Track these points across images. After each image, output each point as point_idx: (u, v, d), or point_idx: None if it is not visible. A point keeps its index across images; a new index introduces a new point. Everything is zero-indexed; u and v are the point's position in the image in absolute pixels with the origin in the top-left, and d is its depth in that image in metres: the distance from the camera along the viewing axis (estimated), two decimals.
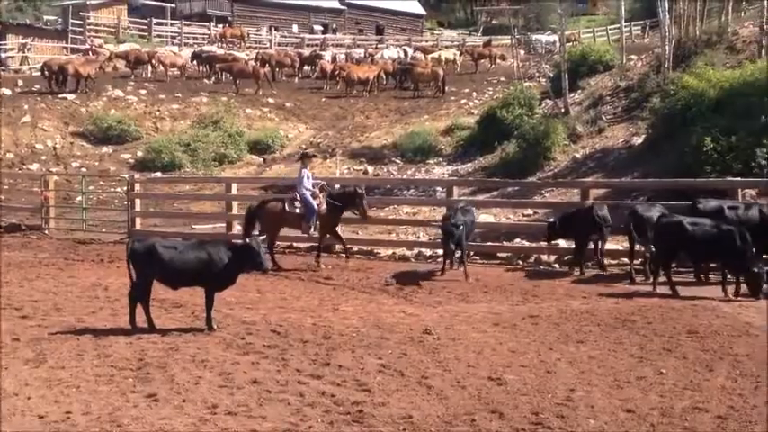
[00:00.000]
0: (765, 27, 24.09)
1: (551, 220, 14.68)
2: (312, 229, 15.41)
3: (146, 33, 47.42)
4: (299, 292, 12.77)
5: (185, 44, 46.21)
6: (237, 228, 18.35)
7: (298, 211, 15.23)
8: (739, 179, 15.41)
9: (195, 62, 39.06)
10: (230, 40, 48.06)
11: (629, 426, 6.89)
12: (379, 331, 10.08)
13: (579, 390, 7.82)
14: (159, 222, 20.31)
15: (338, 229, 15.95)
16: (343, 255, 15.92)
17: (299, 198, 15.27)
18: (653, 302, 11.42)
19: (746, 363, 8.49)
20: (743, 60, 23.23)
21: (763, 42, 23.47)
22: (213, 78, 37.30)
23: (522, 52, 39.55)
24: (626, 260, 14.12)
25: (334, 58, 40.98)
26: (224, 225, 18.57)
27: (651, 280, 12.55)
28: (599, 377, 8.20)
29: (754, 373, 8.16)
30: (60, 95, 31.96)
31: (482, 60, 42.16)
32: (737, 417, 7.01)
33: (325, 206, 15.22)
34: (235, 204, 18.69)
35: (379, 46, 49.11)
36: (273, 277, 14.04)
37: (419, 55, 43.29)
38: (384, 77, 37.60)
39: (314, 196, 15.26)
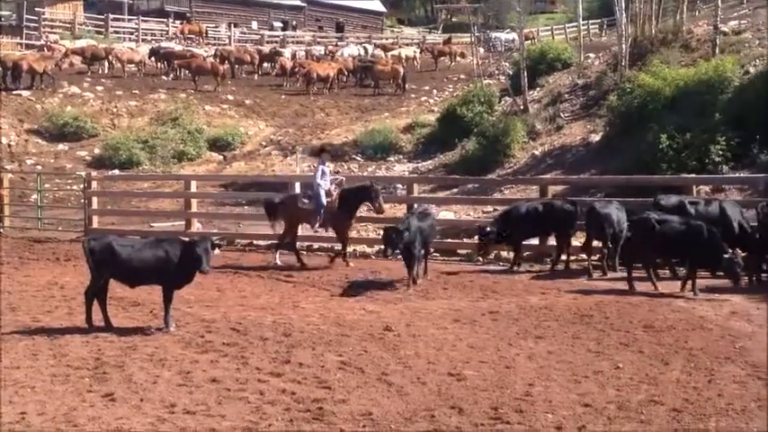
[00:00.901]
0: (719, 26, 24.47)
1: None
2: (317, 225, 15.04)
3: (102, 29, 46.80)
4: (259, 290, 12.71)
5: (143, 40, 45.69)
6: (197, 225, 18.26)
7: (308, 207, 14.93)
8: (694, 176, 15.67)
9: (153, 59, 38.67)
10: (189, 36, 47.66)
11: (586, 420, 6.96)
12: (340, 328, 10.06)
13: (538, 385, 7.88)
14: (117, 220, 20.08)
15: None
16: (331, 254, 15.53)
17: (311, 193, 15.00)
18: (610, 298, 11.54)
19: (701, 356, 8.62)
20: (697, 59, 23.61)
21: (717, 41, 23.85)
22: (171, 75, 36.99)
23: (481, 50, 39.76)
24: (584, 256, 14.29)
25: (294, 56, 40.83)
26: (183, 223, 18.39)
27: (617, 275, 12.72)
28: (557, 372, 8.28)
29: (708, 366, 8.29)
30: (15, 92, 31.44)
31: (442, 58, 42.34)
32: (692, 410, 7.12)
33: (336, 203, 14.85)
34: (194, 202, 18.54)
35: (339, 43, 49.05)
36: (233, 275, 13.98)
37: (379, 52, 43.33)
38: (344, 75, 37.56)
39: (328, 193, 14.93)
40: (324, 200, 14.83)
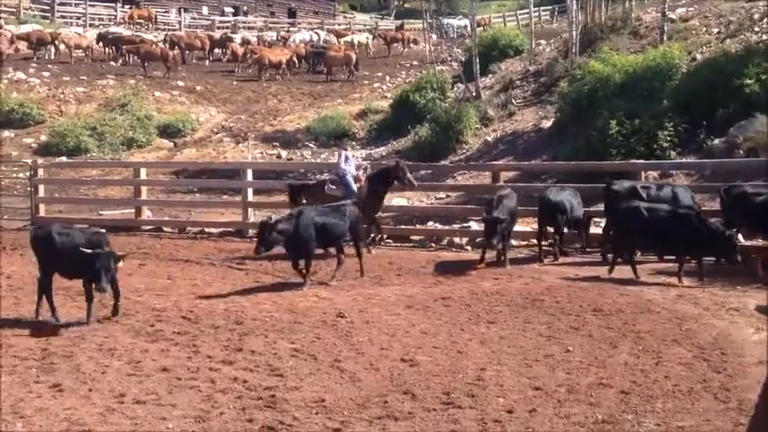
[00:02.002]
0: (667, 13, 24.79)
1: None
2: None
3: (49, 14, 45.83)
4: (211, 278, 12.60)
5: (91, 25, 44.81)
6: (147, 213, 18.03)
7: (336, 193, 14.62)
8: (642, 161, 15.86)
9: (101, 44, 37.98)
10: (138, 21, 46.89)
11: (537, 403, 7.05)
12: (293, 316, 10.05)
13: (489, 369, 7.95)
14: (65, 208, 19.75)
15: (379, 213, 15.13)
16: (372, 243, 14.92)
17: (337, 179, 14.76)
18: (561, 283, 11.66)
19: (648, 339, 8.76)
20: (646, 45, 23.90)
21: (665, 28, 24.16)
22: (120, 61, 36.40)
23: (434, 36, 39.78)
24: (535, 241, 14.44)
25: (245, 42, 40.44)
26: (133, 210, 18.14)
27: (568, 260, 12.79)
28: (509, 356, 8.36)
29: (655, 348, 8.44)
30: None
31: (395, 44, 42.29)
32: (639, 391, 7.24)
33: (366, 188, 14.62)
34: (144, 189, 18.30)
35: (291, 29, 48.70)
36: (185, 263, 13.84)
37: (332, 38, 43.12)
38: (296, 61, 37.31)
39: (356, 179, 14.73)
40: (354, 186, 14.60)
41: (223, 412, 6.90)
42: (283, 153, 27.05)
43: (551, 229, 13.52)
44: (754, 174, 14.37)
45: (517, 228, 14.35)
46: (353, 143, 27.62)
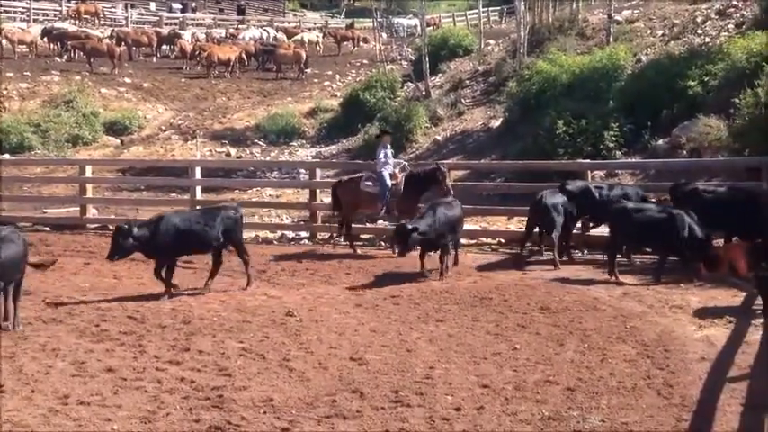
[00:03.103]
0: (613, 15, 25.17)
1: None
2: (384, 211, 14.51)
3: None
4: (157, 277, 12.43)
5: (35, 20, 43.91)
6: (93, 211, 17.75)
7: (371, 190, 14.37)
8: (589, 161, 16.09)
9: (46, 39, 37.25)
10: (84, 16, 46.09)
11: (484, 400, 7.10)
12: (241, 315, 9.98)
13: (438, 367, 7.99)
14: (8, 206, 19.31)
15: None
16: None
17: (374, 176, 14.41)
18: (509, 281, 11.75)
19: (594, 336, 8.88)
20: (592, 47, 24.24)
21: (611, 30, 24.53)
22: (65, 57, 35.72)
23: (384, 35, 39.84)
24: (484, 239, 14.58)
25: (194, 38, 40.02)
26: (77, 209, 17.84)
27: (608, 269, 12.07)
28: (457, 354, 8.41)
29: (601, 346, 8.55)
30: None
31: (345, 43, 42.25)
32: (585, 388, 7.34)
33: (402, 186, 14.26)
34: (89, 187, 18.00)
35: (240, 26, 48.33)
36: (131, 262, 13.58)
37: (282, 36, 42.91)
38: (246, 59, 37.05)
39: (393, 176, 14.37)
40: (389, 183, 14.24)
41: (169, 413, 6.82)
42: (233, 151, 26.84)
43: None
44: (697, 174, 14.67)
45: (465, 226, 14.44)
46: (303, 141, 27.59)
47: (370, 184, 14.40)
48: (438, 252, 12.17)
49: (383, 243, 15.32)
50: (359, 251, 14.29)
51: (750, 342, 8.48)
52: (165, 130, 29.10)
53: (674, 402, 6.97)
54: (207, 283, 11.46)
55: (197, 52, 35.89)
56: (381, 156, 14.54)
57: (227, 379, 7.64)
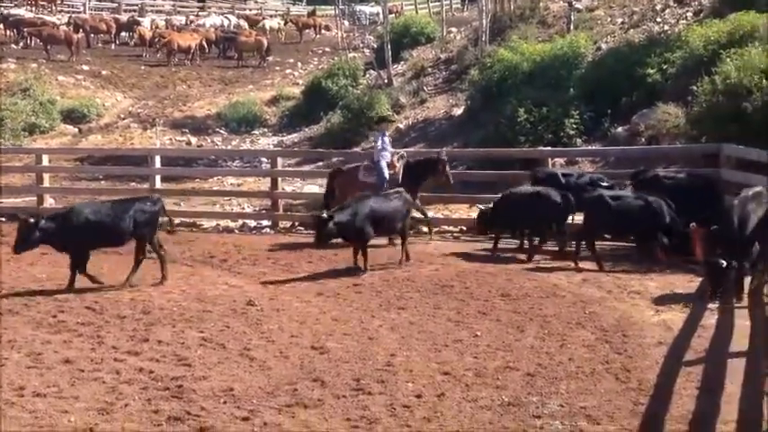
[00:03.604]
0: (573, 3, 25.30)
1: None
2: None
3: None
4: (116, 267, 12.24)
5: None
6: (50, 201, 17.49)
7: (369, 180, 13.97)
8: (549, 149, 16.19)
9: (1, 26, 36.59)
10: (41, 3, 45.30)
11: (445, 387, 7.13)
12: (202, 304, 9.92)
13: (399, 355, 8.02)
14: None
15: (417, 201, 13.96)
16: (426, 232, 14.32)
17: (372, 166, 14.07)
18: (470, 268, 11.80)
19: (554, 322, 8.96)
20: (553, 35, 24.31)
21: (572, 18, 24.66)
22: (21, 44, 35.11)
23: (346, 23, 39.70)
24: (446, 227, 14.63)
25: (153, 25, 39.52)
26: (34, 198, 17.56)
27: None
28: (418, 342, 8.43)
29: (560, 331, 8.64)
30: None
31: (307, 30, 41.98)
32: (545, 374, 7.41)
33: (400, 176, 13.90)
34: (46, 177, 17.73)
35: (201, 13, 47.82)
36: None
37: (243, 23, 42.54)
38: (207, 46, 36.69)
39: (390, 165, 14.02)
40: (386, 173, 13.89)
41: (128, 403, 6.77)
42: (193, 139, 26.57)
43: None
44: (655, 160, 14.83)
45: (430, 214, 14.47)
46: (265, 130, 27.42)
47: (368, 174, 14.10)
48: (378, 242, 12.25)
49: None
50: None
51: (706, 326, 8.62)
52: (124, 119, 28.73)
53: (632, 386, 7.06)
54: (128, 277, 11.02)
55: (157, 39, 35.46)
56: (379, 143, 14.25)
57: (186, 369, 7.60)
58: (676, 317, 9.02)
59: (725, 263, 9.04)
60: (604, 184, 12.92)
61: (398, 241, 12.46)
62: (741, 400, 6.66)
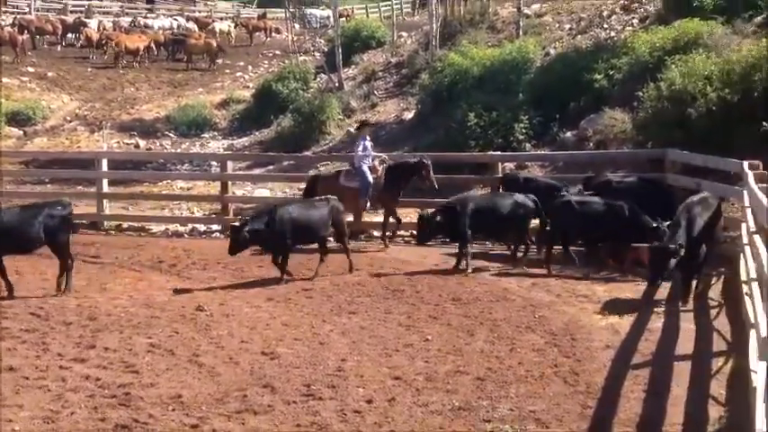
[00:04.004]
0: (522, 9, 25.57)
1: None
2: (368, 205, 14.00)
3: None
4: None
5: None
6: None
7: (352, 184, 13.83)
8: (499, 153, 16.31)
9: None
10: None
11: (396, 392, 7.14)
12: (150, 310, 9.80)
13: (350, 360, 8.00)
14: None
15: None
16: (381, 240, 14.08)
17: (353, 170, 13.88)
18: (421, 273, 11.82)
19: (504, 326, 9.03)
20: (503, 40, 24.53)
21: (521, 23, 24.91)
22: None
23: (296, 26, 39.56)
24: (398, 232, 14.62)
25: (101, 27, 38.94)
26: None
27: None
28: (369, 347, 8.43)
29: (510, 335, 8.70)
30: None
31: (257, 33, 41.75)
32: (494, 377, 7.46)
33: (382, 180, 13.82)
34: None
35: (149, 15, 47.28)
36: (35, 257, 13.17)
37: (192, 26, 42.16)
38: (155, 48, 36.28)
39: (372, 170, 13.92)
40: (370, 177, 13.75)
41: (74, 412, 6.65)
42: (142, 143, 26.23)
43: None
44: (602, 165, 15.02)
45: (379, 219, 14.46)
46: (215, 133, 27.19)
47: (349, 178, 13.95)
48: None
49: None
50: None
51: (652, 330, 8.77)
52: (70, 121, 28.26)
53: (580, 390, 7.14)
54: (58, 282, 10.79)
55: (104, 41, 34.96)
56: (360, 149, 14.10)
57: (134, 376, 7.50)
58: (624, 320, 9.15)
59: (672, 246, 9.10)
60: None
61: (348, 248, 12.30)
62: (687, 403, 6.79)
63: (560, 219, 11.82)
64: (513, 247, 12.59)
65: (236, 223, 11.37)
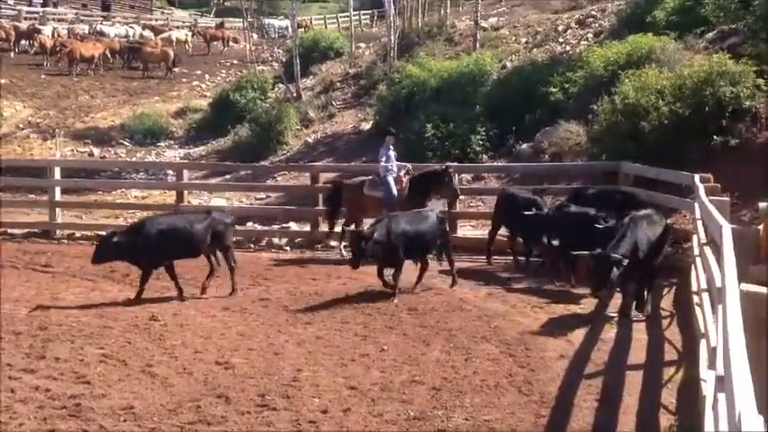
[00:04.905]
0: (479, 22, 25.82)
1: None
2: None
3: None
4: (13, 282, 11.86)
5: None
6: None
7: (376, 194, 13.45)
8: (456, 164, 16.37)
9: None
10: None
11: (351, 402, 7.11)
12: (102, 320, 9.66)
13: (306, 370, 7.95)
14: None
15: None
16: None
17: (378, 180, 13.50)
18: (378, 282, 11.78)
19: (459, 336, 9.05)
20: (460, 52, 24.77)
21: (478, 36, 25.13)
22: None
23: (254, 36, 39.39)
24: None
25: (55, 34, 38.40)
26: None
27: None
28: (325, 356, 8.39)
29: (465, 345, 8.72)
30: None
31: (215, 42, 41.55)
32: (450, 387, 7.45)
33: (407, 190, 13.44)
34: None
35: (105, 23, 46.79)
36: None
37: (148, 34, 41.80)
38: (111, 56, 35.90)
39: (397, 181, 13.51)
40: (395, 189, 13.38)
41: (22, 423, 6.52)
42: (96, 151, 25.96)
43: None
44: (558, 177, 15.19)
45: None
46: (171, 142, 26.98)
47: (373, 188, 13.61)
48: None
49: (252, 245, 15.17)
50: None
51: (605, 339, 8.86)
52: (23, 129, 27.85)
53: (534, 399, 7.18)
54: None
55: (58, 48, 34.50)
56: (384, 159, 13.69)
57: (85, 387, 7.37)
58: (577, 331, 9.23)
59: (615, 257, 9.01)
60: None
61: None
62: (638, 412, 6.86)
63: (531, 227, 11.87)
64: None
65: (106, 233, 10.88)
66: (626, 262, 9.05)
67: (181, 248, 11.09)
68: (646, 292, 9.96)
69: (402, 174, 13.72)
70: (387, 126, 21.37)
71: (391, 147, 13.94)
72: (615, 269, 8.99)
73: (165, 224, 11.09)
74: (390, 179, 13.51)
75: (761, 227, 7.36)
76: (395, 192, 13.44)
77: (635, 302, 9.74)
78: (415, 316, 9.94)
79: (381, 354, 8.46)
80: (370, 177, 13.89)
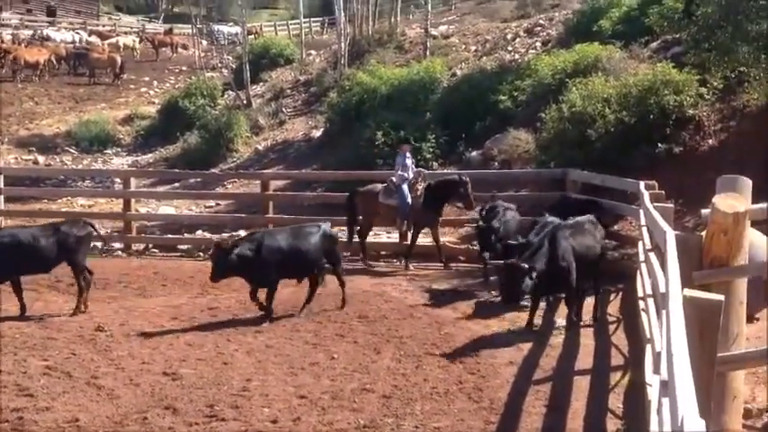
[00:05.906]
0: (429, 30, 25.96)
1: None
2: (405, 227, 13.42)
3: None
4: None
5: None
6: None
7: (390, 202, 13.34)
8: None
9: None
10: None
11: (301, 411, 7.07)
12: (46, 331, 9.49)
13: (255, 379, 7.89)
14: None
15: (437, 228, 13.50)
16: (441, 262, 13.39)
17: (393, 188, 13.37)
18: (328, 290, 11.74)
19: (410, 344, 9.05)
20: (410, 60, 24.87)
21: (428, 44, 25.27)
22: None
23: (204, 42, 39.14)
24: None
25: None
26: None
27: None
28: (275, 365, 8.34)
29: (416, 353, 8.73)
30: None
31: (163, 48, 41.15)
32: (400, 395, 7.46)
33: (421, 198, 13.28)
34: None
35: (50, 28, 46.04)
36: None
37: (95, 40, 41.25)
38: (56, 62, 35.33)
39: (412, 188, 13.39)
40: (409, 198, 13.27)
41: None
42: (41, 158, 25.50)
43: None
44: (506, 185, 15.29)
45: None
46: (118, 149, 26.63)
47: (388, 196, 13.48)
48: None
49: (201, 254, 15.01)
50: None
51: (554, 345, 8.95)
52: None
53: (484, 406, 7.21)
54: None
55: (2, 54, 33.84)
56: (399, 168, 13.64)
57: (28, 400, 7.22)
58: (526, 337, 9.29)
59: (525, 265, 8.85)
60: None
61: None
62: (586, 417, 6.93)
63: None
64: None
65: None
66: (535, 274, 8.83)
67: (27, 264, 10.47)
68: (594, 299, 10.06)
69: (418, 181, 13.59)
70: (337, 133, 21.52)
71: (408, 155, 13.91)
72: (528, 279, 8.84)
73: (7, 237, 10.52)
74: (405, 187, 13.46)
75: (704, 233, 7.48)
76: (409, 200, 13.39)
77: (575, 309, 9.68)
78: (365, 324, 9.92)
79: (332, 362, 8.43)
80: (384, 185, 13.78)
